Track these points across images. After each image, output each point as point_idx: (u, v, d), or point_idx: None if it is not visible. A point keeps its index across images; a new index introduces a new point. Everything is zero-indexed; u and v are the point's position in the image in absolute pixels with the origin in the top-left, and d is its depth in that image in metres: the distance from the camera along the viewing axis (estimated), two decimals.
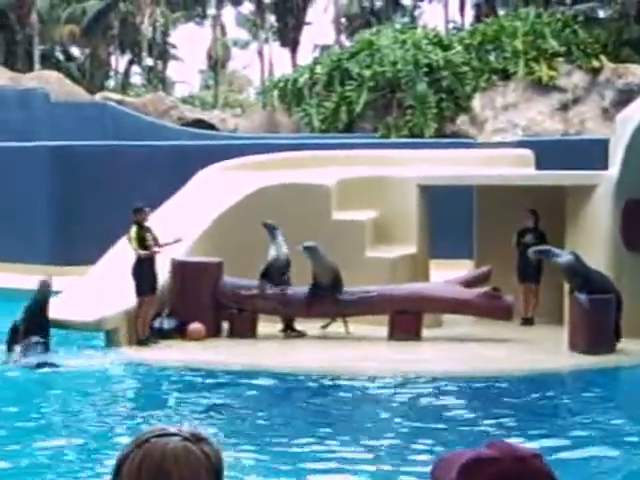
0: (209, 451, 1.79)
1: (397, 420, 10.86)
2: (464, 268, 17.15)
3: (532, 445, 9.49)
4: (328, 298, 14.38)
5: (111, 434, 10.10)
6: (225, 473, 1.81)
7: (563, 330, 13.86)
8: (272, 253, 14.55)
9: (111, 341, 13.82)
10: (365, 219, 15.68)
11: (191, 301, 14.27)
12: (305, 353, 13.66)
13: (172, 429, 1.81)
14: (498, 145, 23.50)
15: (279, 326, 14.75)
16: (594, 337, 13.32)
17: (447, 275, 15.59)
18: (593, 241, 14.33)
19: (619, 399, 12.36)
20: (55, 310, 13.80)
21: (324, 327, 14.78)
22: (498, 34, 30.74)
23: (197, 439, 1.80)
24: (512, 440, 1.76)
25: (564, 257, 13.74)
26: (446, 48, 30.69)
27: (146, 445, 1.78)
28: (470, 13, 46.40)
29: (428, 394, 11.83)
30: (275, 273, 14.52)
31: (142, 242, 13.98)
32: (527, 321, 15.44)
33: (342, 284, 14.44)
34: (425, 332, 14.34)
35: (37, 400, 11.65)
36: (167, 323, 14.26)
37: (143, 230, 14.05)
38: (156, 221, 14.54)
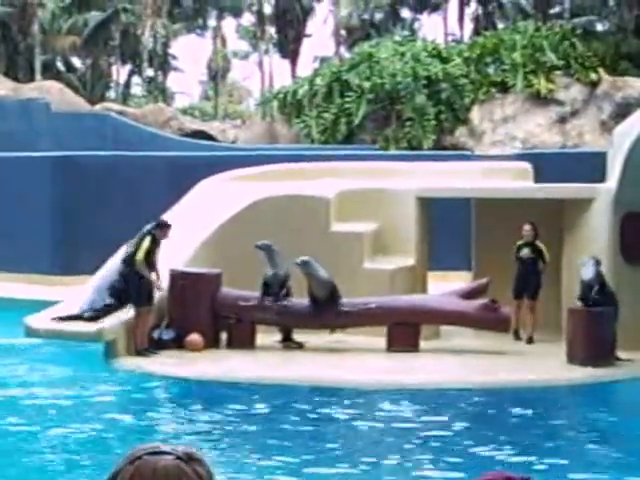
0: (202, 472, 1.78)
1: (395, 432, 10.88)
2: (462, 280, 17.19)
3: (529, 457, 9.53)
4: (327, 309, 14.41)
5: (105, 446, 10.08)
6: None
7: (561, 342, 13.89)
8: (268, 273, 14.52)
9: (110, 351, 13.85)
10: (364, 231, 15.72)
11: (190, 312, 14.29)
12: (304, 364, 13.68)
13: (165, 447, 1.79)
14: (497, 158, 23.56)
15: (278, 337, 14.77)
16: (593, 349, 13.34)
17: (445, 287, 15.63)
18: (591, 254, 14.35)
19: (618, 412, 12.37)
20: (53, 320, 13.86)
21: (332, 332, 14.72)
22: (497, 47, 30.87)
23: (190, 459, 1.78)
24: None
25: (589, 269, 13.69)
26: (445, 61, 30.81)
27: (138, 462, 1.76)
28: (469, 26, 46.65)
29: (425, 406, 11.86)
30: (272, 290, 14.50)
31: (148, 255, 13.94)
32: (518, 335, 15.16)
33: (339, 297, 14.43)
34: (423, 344, 14.37)
35: (28, 411, 11.60)
36: (166, 334, 14.28)
37: (155, 244, 14.03)
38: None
